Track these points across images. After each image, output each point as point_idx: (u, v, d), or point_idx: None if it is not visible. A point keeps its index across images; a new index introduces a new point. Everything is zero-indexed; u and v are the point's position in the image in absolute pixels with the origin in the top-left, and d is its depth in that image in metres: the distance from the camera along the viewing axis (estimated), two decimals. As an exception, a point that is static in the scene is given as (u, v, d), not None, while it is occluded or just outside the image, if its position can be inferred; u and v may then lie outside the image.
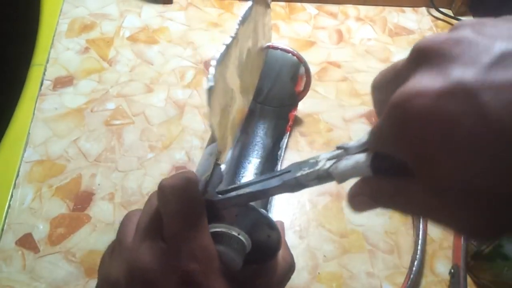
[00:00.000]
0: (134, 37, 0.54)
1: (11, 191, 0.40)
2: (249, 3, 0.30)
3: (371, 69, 0.54)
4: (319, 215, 0.42)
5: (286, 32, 0.58)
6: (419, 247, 0.39)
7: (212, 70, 0.23)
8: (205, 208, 0.26)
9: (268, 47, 0.42)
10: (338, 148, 0.24)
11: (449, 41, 0.17)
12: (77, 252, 0.37)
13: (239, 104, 0.32)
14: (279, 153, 0.42)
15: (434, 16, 0.62)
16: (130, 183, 0.42)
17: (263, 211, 0.27)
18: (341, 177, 0.23)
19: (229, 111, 0.29)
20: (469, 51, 0.17)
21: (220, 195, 0.26)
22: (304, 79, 0.44)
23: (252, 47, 0.33)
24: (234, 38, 0.27)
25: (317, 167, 0.23)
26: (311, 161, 0.24)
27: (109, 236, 0.38)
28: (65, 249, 0.37)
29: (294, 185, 0.24)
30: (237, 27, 0.27)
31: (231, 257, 0.26)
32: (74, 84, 0.49)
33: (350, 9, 0.62)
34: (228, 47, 0.26)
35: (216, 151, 0.27)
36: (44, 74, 0.49)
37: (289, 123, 0.45)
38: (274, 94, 0.46)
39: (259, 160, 0.43)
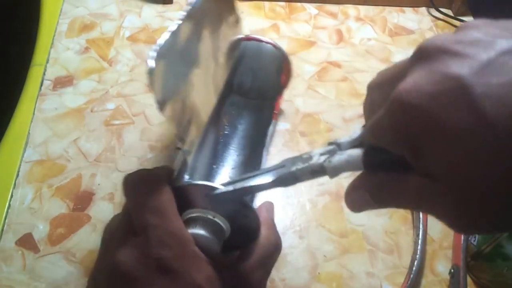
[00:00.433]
0: (134, 37, 0.54)
1: (11, 191, 0.40)
2: None
3: (371, 69, 0.54)
4: (319, 215, 0.42)
5: (286, 32, 0.58)
6: (419, 247, 0.39)
7: (153, 54, 0.24)
8: (171, 195, 0.26)
9: (245, 38, 0.42)
10: (331, 143, 0.24)
11: (452, 39, 0.18)
12: (77, 252, 0.37)
13: (202, 92, 0.32)
14: (265, 139, 0.42)
15: (434, 16, 0.62)
16: (130, 183, 0.42)
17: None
18: (334, 171, 0.23)
19: (184, 97, 0.29)
20: (469, 49, 0.17)
21: (218, 190, 0.27)
22: (286, 68, 0.44)
23: (211, 36, 0.34)
24: (180, 25, 0.28)
25: (311, 162, 0.24)
26: (305, 156, 0.25)
27: (109, 236, 0.38)
28: (65, 249, 0.37)
29: (289, 179, 0.25)
30: (184, 13, 0.28)
31: (208, 240, 0.27)
32: (74, 84, 0.49)
33: (350, 9, 0.62)
34: (174, 33, 0.27)
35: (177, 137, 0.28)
36: (44, 74, 0.49)
37: (275, 111, 0.45)
38: (257, 86, 0.46)
39: (245, 151, 0.43)
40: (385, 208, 0.22)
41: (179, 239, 0.25)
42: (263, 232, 0.29)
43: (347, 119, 0.49)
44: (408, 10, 0.63)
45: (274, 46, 0.43)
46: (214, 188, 0.27)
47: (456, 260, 0.39)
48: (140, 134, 0.45)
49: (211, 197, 0.27)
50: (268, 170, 0.26)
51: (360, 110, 0.50)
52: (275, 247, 0.30)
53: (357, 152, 0.22)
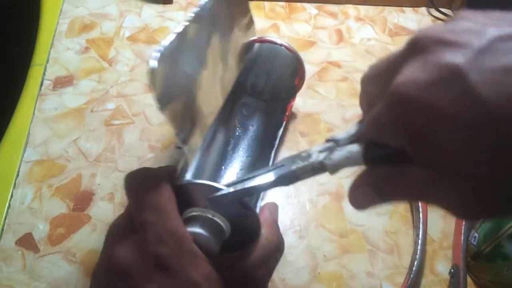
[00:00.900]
0: (134, 37, 0.54)
1: (11, 191, 0.40)
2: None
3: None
4: (319, 215, 0.42)
5: (286, 32, 0.58)
6: (419, 247, 0.39)
7: (155, 54, 0.24)
8: (171, 194, 0.27)
9: (261, 41, 0.42)
10: (328, 140, 0.24)
11: (443, 30, 0.18)
12: (77, 252, 0.37)
13: (208, 93, 0.33)
14: (275, 142, 0.42)
15: (434, 16, 0.62)
16: (130, 183, 0.42)
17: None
18: (335, 168, 0.23)
19: (188, 97, 0.29)
20: (462, 37, 0.17)
21: (219, 191, 0.27)
22: (300, 71, 0.44)
23: (221, 39, 0.34)
24: (187, 27, 0.28)
25: (311, 160, 0.24)
26: (303, 154, 0.25)
27: (109, 236, 0.38)
28: (65, 249, 0.37)
29: (290, 178, 0.25)
30: (192, 15, 0.29)
31: (207, 239, 0.27)
32: (74, 84, 0.49)
33: (350, 9, 0.62)
34: (180, 35, 0.27)
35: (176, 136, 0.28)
36: (44, 74, 0.49)
37: (287, 113, 0.45)
38: (271, 88, 0.46)
39: (256, 152, 0.43)
40: (389, 203, 0.22)
41: (177, 236, 0.25)
42: (264, 232, 0.29)
43: (347, 119, 0.49)
44: (408, 10, 0.63)
45: (289, 49, 0.43)
46: (215, 187, 0.27)
47: (456, 260, 0.39)
48: (140, 134, 0.45)
49: (212, 199, 0.27)
50: (268, 170, 0.26)
51: (360, 110, 0.50)
52: (276, 247, 0.30)
53: (356, 147, 0.22)
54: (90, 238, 0.38)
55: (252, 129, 0.45)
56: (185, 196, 0.27)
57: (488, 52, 0.16)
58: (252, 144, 0.44)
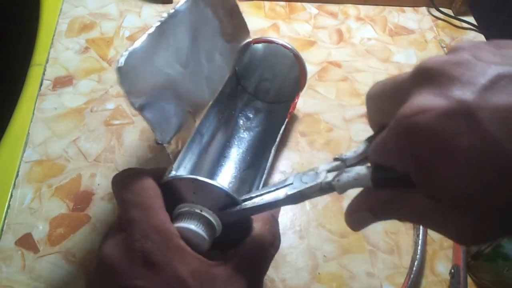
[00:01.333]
0: (134, 37, 0.54)
1: (10, 191, 0.40)
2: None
3: (371, 69, 0.54)
4: (319, 215, 0.41)
5: (286, 31, 0.57)
6: (419, 247, 0.38)
7: (124, 55, 0.26)
8: (157, 191, 0.27)
9: (257, 41, 0.42)
10: (336, 159, 0.25)
11: (450, 62, 0.19)
12: (76, 252, 0.37)
13: (192, 92, 0.33)
14: (277, 138, 0.42)
15: (435, 16, 0.62)
16: (130, 183, 0.42)
17: (221, 184, 0.27)
18: (343, 189, 0.24)
19: (168, 96, 0.30)
20: (467, 73, 0.18)
21: (229, 209, 0.27)
22: (302, 73, 0.44)
23: (205, 39, 0.35)
24: (160, 26, 0.29)
25: (319, 180, 0.25)
26: (311, 172, 0.25)
27: (109, 236, 0.38)
28: (65, 249, 0.37)
29: (298, 197, 0.26)
30: (165, 16, 0.30)
31: (194, 234, 0.27)
32: (73, 84, 0.49)
33: (351, 8, 0.62)
34: (150, 35, 0.28)
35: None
36: (43, 74, 0.49)
37: (290, 111, 0.45)
38: (276, 91, 0.46)
39: (258, 150, 0.43)
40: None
41: (163, 232, 0.26)
42: (257, 229, 0.29)
43: (347, 119, 0.49)
44: (409, 9, 0.63)
45: (292, 50, 0.43)
46: (200, 181, 0.27)
47: (456, 260, 0.39)
48: (140, 134, 0.45)
49: (222, 214, 0.28)
50: (276, 188, 0.26)
51: (360, 110, 0.51)
52: (270, 243, 0.30)
53: (364, 170, 0.23)
54: (89, 238, 0.38)
55: (255, 130, 0.45)
56: (173, 193, 0.28)
57: (492, 89, 0.17)
58: (253, 145, 0.44)
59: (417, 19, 0.62)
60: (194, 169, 0.36)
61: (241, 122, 0.45)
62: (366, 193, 0.24)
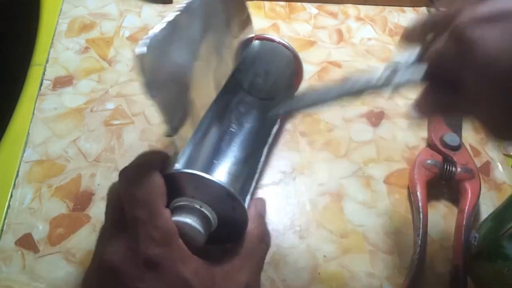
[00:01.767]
0: (134, 37, 0.54)
1: (10, 191, 0.40)
2: None
3: (371, 69, 0.54)
4: (319, 215, 0.41)
5: (286, 31, 0.57)
6: (419, 248, 0.38)
7: (144, 41, 0.25)
8: (163, 187, 0.27)
9: (255, 38, 0.42)
10: (389, 66, 0.28)
11: None
12: (76, 252, 0.37)
13: (201, 85, 0.33)
14: (269, 139, 0.42)
15: (435, 16, 0.62)
16: (130, 183, 0.42)
17: (221, 181, 0.27)
18: (397, 86, 0.27)
19: (178, 87, 0.30)
20: None
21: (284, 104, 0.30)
22: (299, 70, 0.44)
23: (215, 33, 0.34)
24: (178, 16, 0.28)
25: (376, 77, 0.28)
26: (366, 74, 0.28)
27: (109, 236, 0.38)
28: (65, 249, 0.37)
29: (355, 92, 0.28)
30: (184, 5, 0.29)
31: (192, 229, 0.27)
32: (73, 84, 0.49)
33: (350, 8, 0.62)
34: (169, 24, 0.27)
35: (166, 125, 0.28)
36: (43, 74, 0.49)
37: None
38: (270, 87, 0.46)
39: (250, 148, 0.43)
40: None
41: (167, 234, 0.25)
42: (249, 226, 0.30)
43: (347, 119, 0.49)
44: (408, 9, 0.63)
45: (288, 48, 0.43)
46: (204, 178, 0.27)
47: (456, 260, 0.39)
48: (140, 134, 0.45)
49: (270, 116, 0.32)
50: (332, 86, 0.28)
51: (360, 110, 0.51)
52: (261, 240, 0.30)
53: (418, 69, 0.26)
54: (89, 238, 0.38)
55: (247, 126, 0.45)
56: (174, 185, 0.28)
57: None
58: (245, 141, 0.44)
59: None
60: (189, 162, 0.36)
61: (234, 117, 0.45)
62: (429, 91, 0.27)
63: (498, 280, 0.37)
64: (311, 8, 0.61)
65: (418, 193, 0.41)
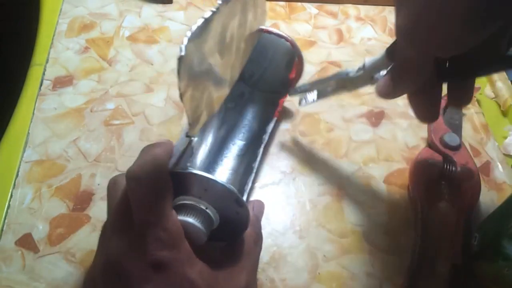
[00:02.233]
0: (134, 37, 0.54)
1: (10, 191, 0.40)
2: None
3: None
4: (319, 215, 0.42)
5: (286, 31, 0.57)
6: (419, 247, 0.38)
7: (185, 40, 0.24)
8: (171, 188, 0.27)
9: (262, 30, 0.42)
10: (359, 69, 0.35)
11: None
12: (76, 252, 0.37)
13: (219, 82, 0.32)
14: (264, 136, 0.42)
15: (435, 16, 0.62)
16: (129, 183, 0.42)
17: (232, 187, 0.28)
18: (370, 69, 0.34)
19: (204, 86, 0.29)
20: None
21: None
22: (297, 66, 0.44)
23: (239, 27, 0.34)
24: (215, 13, 0.27)
25: (353, 73, 0.36)
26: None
27: (109, 236, 0.38)
28: (65, 249, 0.37)
29: (344, 81, 0.36)
30: (220, 2, 0.28)
31: (197, 230, 0.27)
32: (73, 84, 0.49)
33: (351, 8, 0.62)
34: (207, 21, 0.27)
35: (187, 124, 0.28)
36: (43, 74, 0.49)
37: (278, 109, 0.45)
38: (266, 78, 0.46)
39: (243, 142, 0.43)
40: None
41: (175, 235, 0.25)
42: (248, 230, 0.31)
43: (347, 119, 0.49)
44: (408, 9, 0.63)
45: (289, 41, 0.42)
46: (216, 182, 0.27)
47: (456, 260, 0.39)
48: (140, 134, 0.45)
49: (291, 91, 0.41)
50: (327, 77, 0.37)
51: (360, 110, 0.51)
52: (255, 242, 0.32)
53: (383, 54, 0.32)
54: (89, 239, 0.38)
55: (242, 118, 0.45)
56: (181, 182, 0.27)
57: None
58: (244, 133, 0.44)
59: (417, 19, 0.62)
60: (195, 160, 0.36)
61: (231, 108, 0.45)
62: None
63: (498, 280, 0.37)
64: (311, 8, 0.61)
65: (418, 193, 0.41)
